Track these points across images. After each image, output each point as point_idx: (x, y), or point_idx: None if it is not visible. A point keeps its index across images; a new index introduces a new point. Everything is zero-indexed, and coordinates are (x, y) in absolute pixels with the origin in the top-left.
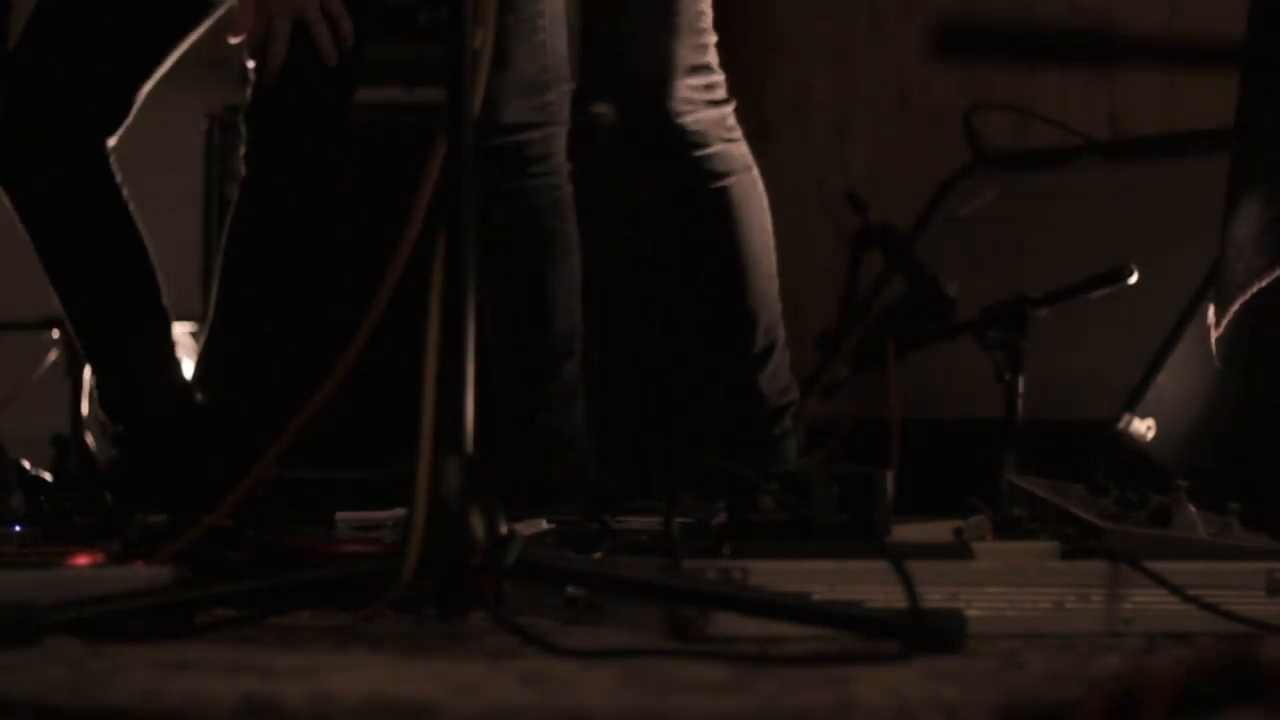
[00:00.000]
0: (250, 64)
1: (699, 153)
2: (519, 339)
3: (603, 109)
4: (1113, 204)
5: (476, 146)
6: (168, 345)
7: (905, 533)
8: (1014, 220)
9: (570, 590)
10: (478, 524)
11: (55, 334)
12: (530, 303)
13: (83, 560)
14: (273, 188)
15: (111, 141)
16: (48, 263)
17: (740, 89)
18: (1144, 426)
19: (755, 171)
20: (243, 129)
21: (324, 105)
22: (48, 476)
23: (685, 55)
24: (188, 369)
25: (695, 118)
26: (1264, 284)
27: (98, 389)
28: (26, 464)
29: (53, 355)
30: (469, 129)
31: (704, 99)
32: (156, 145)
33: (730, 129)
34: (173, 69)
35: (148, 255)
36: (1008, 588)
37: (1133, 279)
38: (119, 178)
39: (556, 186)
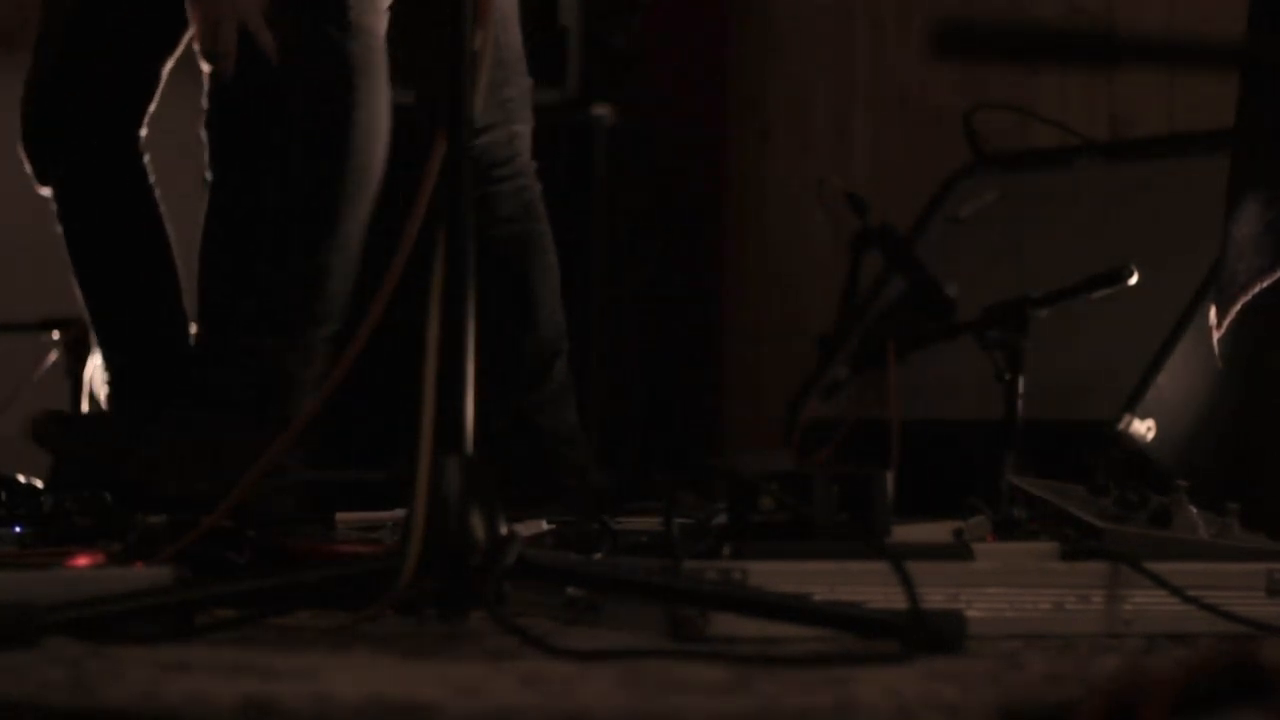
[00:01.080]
0: (205, 68)
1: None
2: (506, 344)
3: (602, 110)
4: (1113, 204)
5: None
6: (183, 345)
7: (905, 533)
8: (1014, 220)
9: (570, 590)
10: (478, 524)
11: (55, 335)
12: (513, 308)
13: (83, 560)
14: (236, 191)
15: (143, 131)
16: (73, 255)
17: (740, 89)
18: (1144, 427)
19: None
20: (203, 135)
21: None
22: (39, 483)
23: None
24: None
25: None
26: (1265, 285)
27: (110, 384)
28: (21, 477)
29: (53, 356)
30: (469, 129)
31: None
32: (156, 145)
33: None
34: (173, 69)
35: (170, 254)
36: (1008, 588)
37: (1133, 279)
38: (152, 178)
39: (524, 188)
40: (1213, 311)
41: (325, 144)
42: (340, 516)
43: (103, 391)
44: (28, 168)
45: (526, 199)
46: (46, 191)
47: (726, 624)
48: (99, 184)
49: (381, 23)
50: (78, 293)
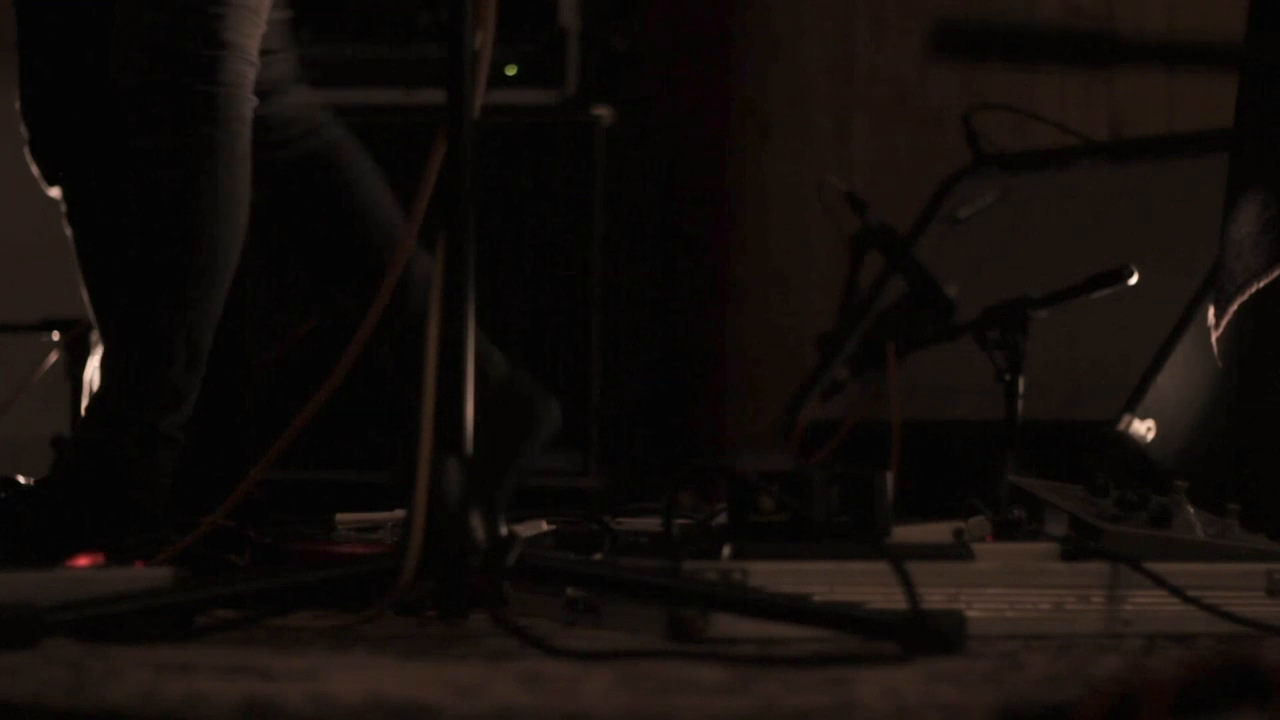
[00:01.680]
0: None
1: None
2: (344, 262)
3: (602, 110)
4: (1113, 204)
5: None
6: None
7: (905, 534)
8: (1014, 220)
9: (570, 591)
10: (478, 525)
11: (55, 335)
12: (339, 223)
13: (83, 561)
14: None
15: None
16: (80, 256)
17: (740, 89)
18: (1144, 427)
19: None
20: None
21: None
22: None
23: None
24: None
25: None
26: (1263, 284)
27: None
28: (21, 478)
29: (53, 357)
30: (470, 129)
31: None
32: None
33: None
34: None
35: None
36: (1008, 589)
37: (1133, 279)
38: None
39: (310, 104)
40: (1211, 311)
41: (164, 224)
42: (340, 517)
43: None
44: (34, 170)
45: (313, 114)
46: (55, 193)
47: (726, 624)
48: (105, 184)
49: (249, 108)
50: (84, 294)
